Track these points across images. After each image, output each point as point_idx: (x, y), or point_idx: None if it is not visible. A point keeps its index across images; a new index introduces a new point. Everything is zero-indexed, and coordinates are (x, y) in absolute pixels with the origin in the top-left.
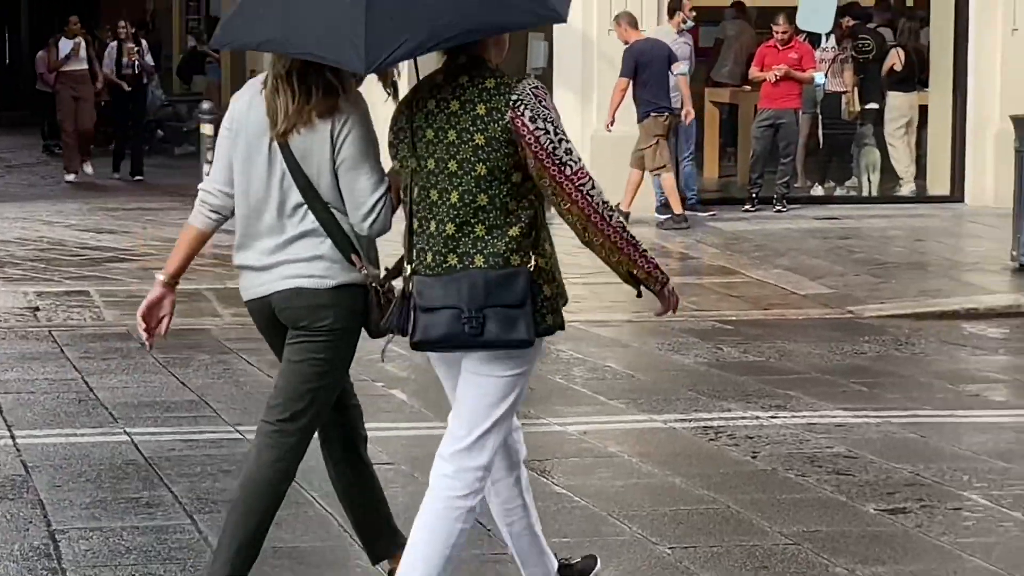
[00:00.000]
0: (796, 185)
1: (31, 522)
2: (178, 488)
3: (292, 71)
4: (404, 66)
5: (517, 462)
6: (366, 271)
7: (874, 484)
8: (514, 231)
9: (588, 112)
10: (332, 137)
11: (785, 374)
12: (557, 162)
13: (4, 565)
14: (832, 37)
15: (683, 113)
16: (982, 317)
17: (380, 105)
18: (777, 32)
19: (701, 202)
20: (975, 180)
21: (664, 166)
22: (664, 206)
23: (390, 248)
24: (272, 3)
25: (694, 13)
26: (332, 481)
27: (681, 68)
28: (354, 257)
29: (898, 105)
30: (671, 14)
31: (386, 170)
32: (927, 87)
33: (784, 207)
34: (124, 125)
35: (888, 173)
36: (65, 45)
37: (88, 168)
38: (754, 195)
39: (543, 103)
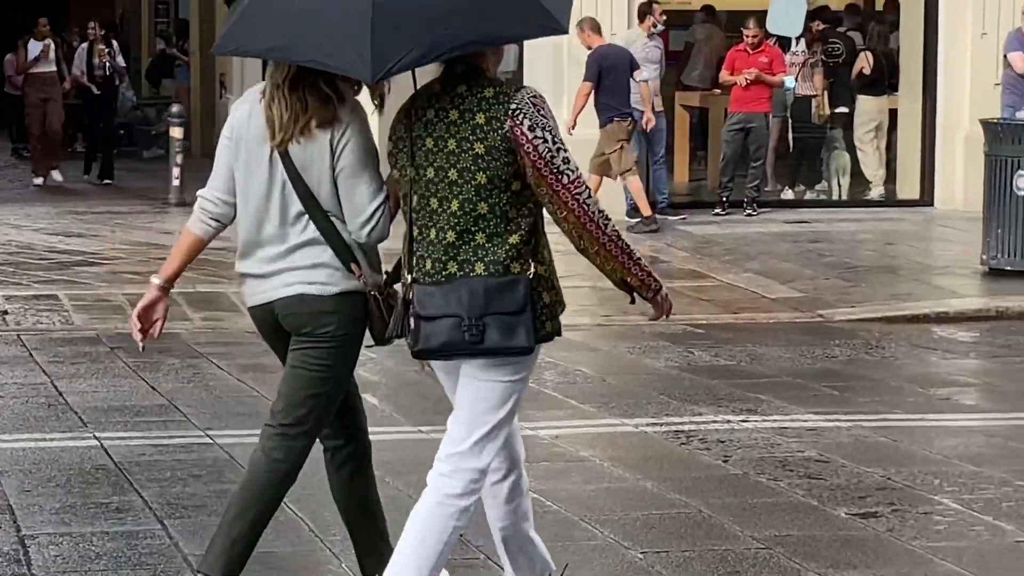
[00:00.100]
0: (766, 189)
1: (0, 527)
2: (148, 493)
3: (288, 82)
4: (398, 76)
5: (517, 464)
6: (366, 279)
7: (845, 488)
8: (514, 239)
9: (558, 115)
10: (331, 146)
11: (756, 378)
12: (555, 171)
13: None
14: (802, 41)
15: (644, 120)
16: (952, 321)
17: (368, 117)
18: (747, 36)
19: (671, 206)
20: (944, 184)
21: (630, 169)
22: (634, 209)
23: (392, 248)
24: (277, 12)
25: (664, 17)
26: (331, 488)
27: (643, 75)
28: (353, 266)
29: (867, 109)
30: (641, 18)
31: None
32: (897, 91)
33: (754, 211)
34: (95, 127)
35: (858, 177)
36: (34, 47)
37: (57, 175)
38: (724, 199)
39: (541, 112)
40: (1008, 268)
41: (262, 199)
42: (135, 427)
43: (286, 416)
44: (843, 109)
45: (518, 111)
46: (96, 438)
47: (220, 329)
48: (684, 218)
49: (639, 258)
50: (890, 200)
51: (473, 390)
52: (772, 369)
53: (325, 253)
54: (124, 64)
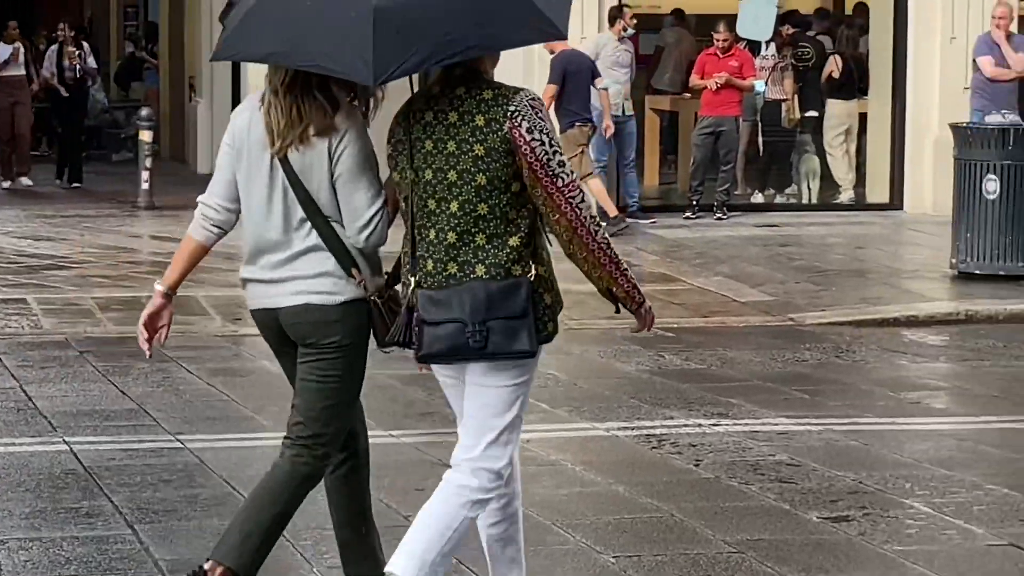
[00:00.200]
0: (736, 192)
1: None
2: (118, 498)
3: (284, 87)
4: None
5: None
6: (366, 284)
7: (817, 492)
8: (514, 241)
9: None
10: (330, 152)
11: (727, 382)
12: (550, 173)
13: None
14: (772, 45)
15: (603, 127)
16: (922, 324)
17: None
18: (717, 40)
19: (642, 209)
20: (914, 188)
21: (590, 173)
22: (601, 213)
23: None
24: (277, 18)
25: (635, 21)
26: (326, 491)
27: (603, 83)
28: (354, 271)
29: (837, 113)
30: (612, 22)
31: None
32: (867, 95)
33: (724, 214)
34: (65, 130)
35: (828, 181)
36: (3, 50)
37: (26, 180)
38: (695, 202)
39: (539, 115)
40: (977, 272)
41: (264, 205)
42: (105, 431)
43: (304, 430)
44: (813, 113)
45: (517, 113)
46: (66, 442)
47: (190, 333)
48: (654, 222)
49: (626, 269)
50: (860, 204)
51: (479, 398)
52: (743, 373)
53: (328, 261)
54: (96, 66)
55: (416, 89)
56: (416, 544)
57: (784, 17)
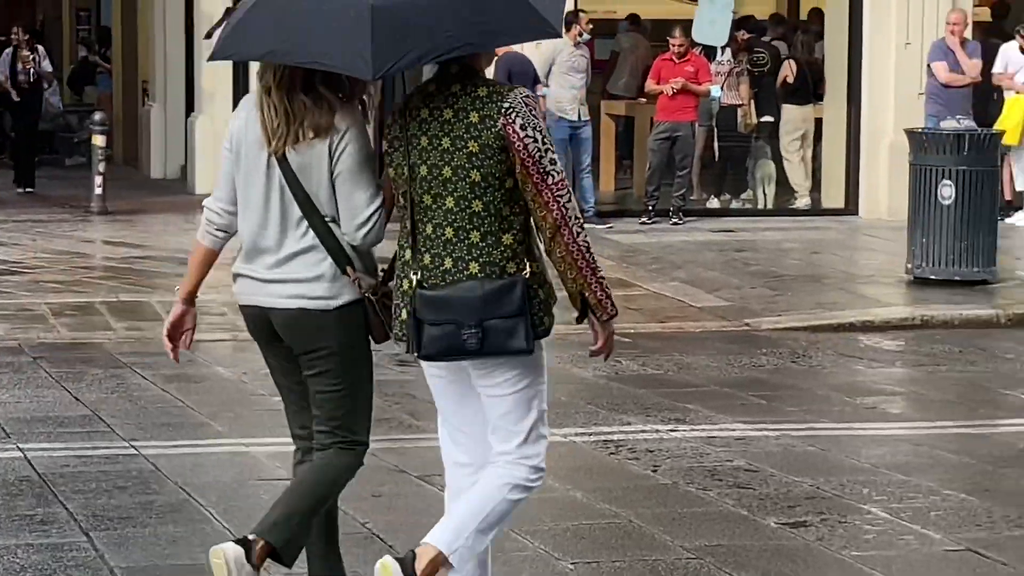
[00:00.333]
0: (692, 198)
1: None
2: (73, 505)
3: (276, 86)
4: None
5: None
6: (360, 282)
7: (775, 498)
8: (508, 238)
9: None
10: (331, 151)
11: (683, 387)
12: (541, 171)
13: None
14: (727, 50)
15: None
16: (878, 329)
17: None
18: (673, 45)
19: (598, 214)
20: (869, 193)
21: None
22: None
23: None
24: (274, 18)
25: (591, 26)
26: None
27: (542, 90)
28: (349, 269)
29: (792, 118)
30: (567, 27)
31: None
32: (822, 100)
33: (680, 220)
34: (19, 135)
35: (783, 186)
36: None
37: None
38: (651, 208)
39: (533, 112)
40: (932, 277)
41: (261, 204)
42: (59, 438)
43: (330, 437)
44: (768, 118)
45: (511, 110)
46: (19, 449)
47: (144, 339)
48: (611, 227)
49: (602, 277)
50: (815, 209)
51: (496, 408)
52: (700, 378)
53: (323, 263)
54: (51, 69)
55: (408, 88)
56: (454, 517)
57: (739, 22)
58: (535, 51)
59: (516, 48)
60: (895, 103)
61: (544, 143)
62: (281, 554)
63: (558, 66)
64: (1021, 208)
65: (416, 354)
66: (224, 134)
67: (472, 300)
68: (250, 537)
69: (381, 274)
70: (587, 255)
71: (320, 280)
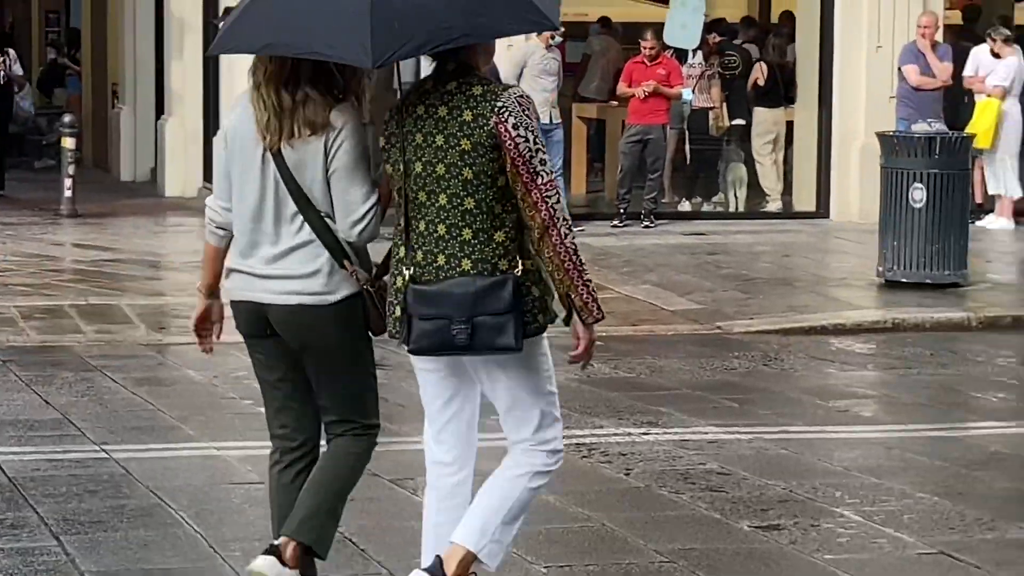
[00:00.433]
0: (663, 201)
1: None
2: (43, 509)
3: (264, 82)
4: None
5: (471, 460)
6: (358, 276)
7: (748, 501)
8: (500, 236)
9: None
10: (326, 147)
11: (656, 390)
12: (531, 170)
13: None
14: (699, 53)
15: None
16: (849, 333)
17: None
18: (644, 48)
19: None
20: (840, 196)
21: None
22: None
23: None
24: (274, 13)
25: (562, 29)
26: (274, 491)
27: None
28: (346, 263)
29: (764, 121)
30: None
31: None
32: (793, 104)
33: (652, 223)
34: None
35: (754, 189)
36: None
37: None
38: (622, 211)
39: (526, 112)
40: (904, 280)
41: (257, 199)
42: (29, 442)
43: (341, 426)
44: (740, 121)
45: (504, 109)
46: None
47: (114, 342)
48: (582, 229)
49: (589, 280)
50: (786, 212)
51: (502, 402)
52: (672, 381)
53: (320, 257)
54: (22, 72)
55: (402, 85)
56: (476, 513)
57: (710, 25)
58: (506, 53)
59: None
60: (866, 106)
61: (536, 143)
62: (315, 549)
63: (530, 69)
64: (992, 211)
65: (406, 347)
66: (193, 136)
67: (463, 296)
68: (277, 543)
69: (376, 266)
70: (574, 257)
71: (317, 275)
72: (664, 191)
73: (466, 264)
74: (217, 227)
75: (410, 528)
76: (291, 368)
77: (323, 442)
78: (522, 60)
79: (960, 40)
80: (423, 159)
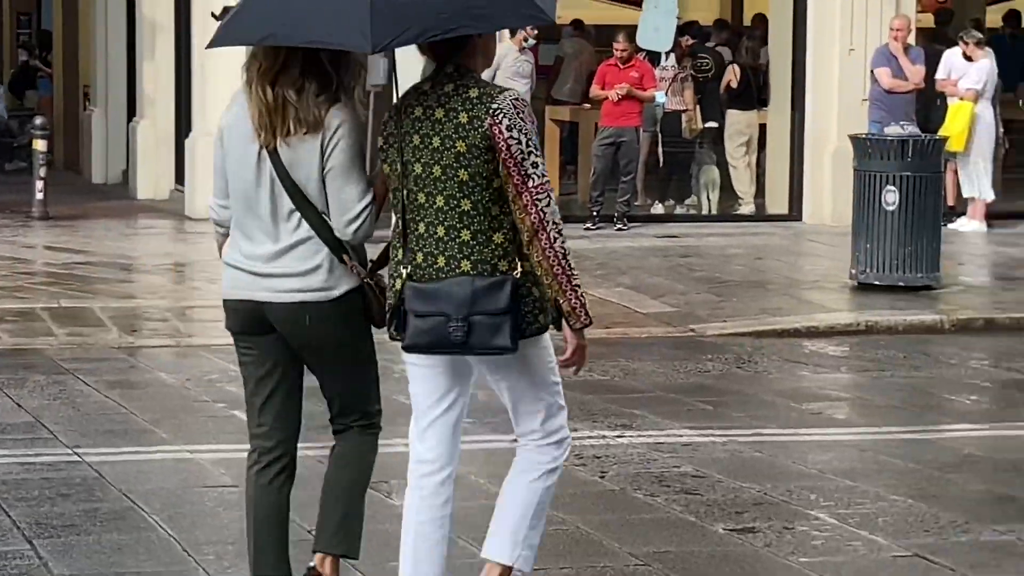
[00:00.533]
0: (636, 203)
1: None
2: (15, 512)
3: (258, 78)
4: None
5: (453, 459)
6: (358, 271)
7: (722, 503)
8: (498, 237)
9: None
10: (323, 146)
11: (630, 393)
12: (523, 173)
13: None
14: (671, 56)
15: None
16: (822, 335)
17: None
18: (617, 50)
19: None
20: (813, 199)
21: None
22: None
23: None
24: (275, 5)
25: (535, 31)
26: (256, 496)
27: None
28: (345, 257)
29: (737, 123)
30: (512, 32)
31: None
32: (766, 106)
33: (625, 225)
34: None
35: (727, 191)
36: None
37: None
38: (595, 213)
39: (521, 115)
40: (876, 283)
41: (252, 196)
42: (1, 445)
43: (345, 418)
44: (713, 124)
45: (499, 111)
46: None
47: (86, 345)
48: None
49: (578, 285)
50: (759, 215)
51: (508, 395)
52: (646, 384)
53: (319, 254)
54: None
55: (397, 85)
56: (503, 525)
57: (683, 28)
58: None
59: None
60: (839, 109)
61: (528, 146)
62: (349, 555)
63: (503, 71)
64: (964, 214)
65: (401, 344)
66: (165, 139)
67: (461, 294)
68: (313, 564)
69: (371, 263)
70: (563, 261)
71: (318, 271)
72: (637, 194)
73: (466, 265)
74: (218, 224)
75: (384, 531)
76: (281, 365)
77: (308, 448)
78: (496, 63)
79: (932, 43)
80: (421, 160)
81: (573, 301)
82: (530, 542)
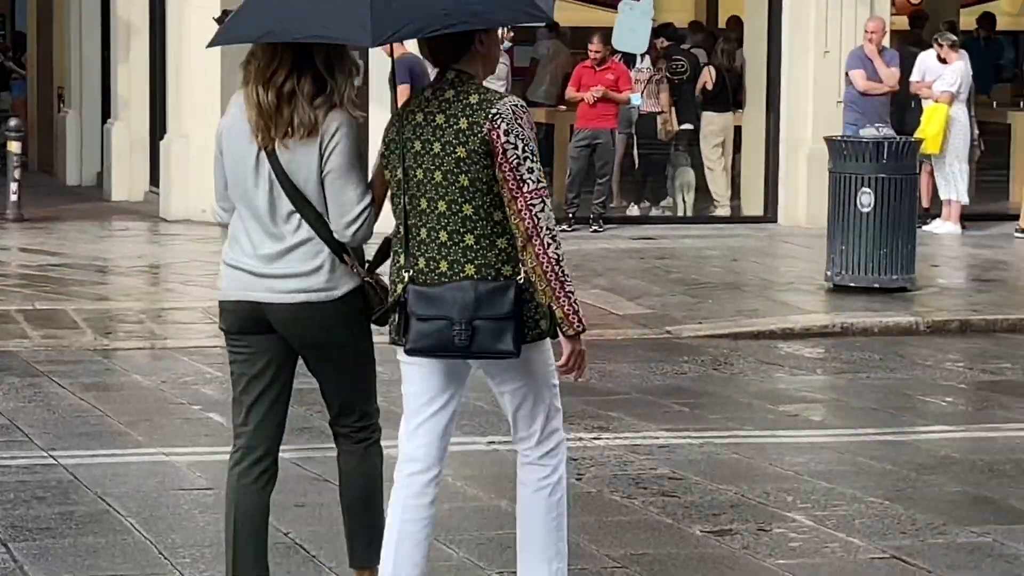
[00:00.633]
0: (612, 205)
1: None
2: None
3: (253, 79)
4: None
5: (440, 461)
6: (358, 270)
7: (700, 505)
8: (502, 242)
9: None
10: (321, 148)
11: (606, 395)
12: (518, 177)
13: None
14: (647, 58)
15: None
16: (798, 337)
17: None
18: (592, 52)
19: None
20: (788, 200)
21: None
22: None
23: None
24: (276, 3)
25: (511, 33)
26: (239, 497)
27: None
28: (346, 257)
29: (712, 125)
30: None
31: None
32: (742, 108)
33: (600, 227)
34: None
35: (703, 193)
36: None
37: None
38: (571, 215)
39: (520, 121)
40: (852, 284)
41: (251, 196)
42: None
43: (345, 419)
44: (688, 126)
45: (498, 115)
46: None
47: (60, 347)
48: None
49: (571, 291)
50: (735, 217)
51: (510, 401)
52: (622, 386)
53: (321, 254)
54: None
55: (395, 96)
56: (534, 549)
57: (658, 30)
58: None
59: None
60: (814, 111)
61: (525, 151)
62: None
63: None
64: (939, 216)
65: (403, 348)
66: (140, 141)
67: (465, 298)
68: None
69: (367, 263)
70: (556, 267)
71: (319, 272)
72: (613, 195)
73: (469, 269)
74: (226, 227)
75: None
76: (274, 366)
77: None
78: None
79: (907, 45)
80: (423, 166)
81: (566, 307)
82: (561, 552)
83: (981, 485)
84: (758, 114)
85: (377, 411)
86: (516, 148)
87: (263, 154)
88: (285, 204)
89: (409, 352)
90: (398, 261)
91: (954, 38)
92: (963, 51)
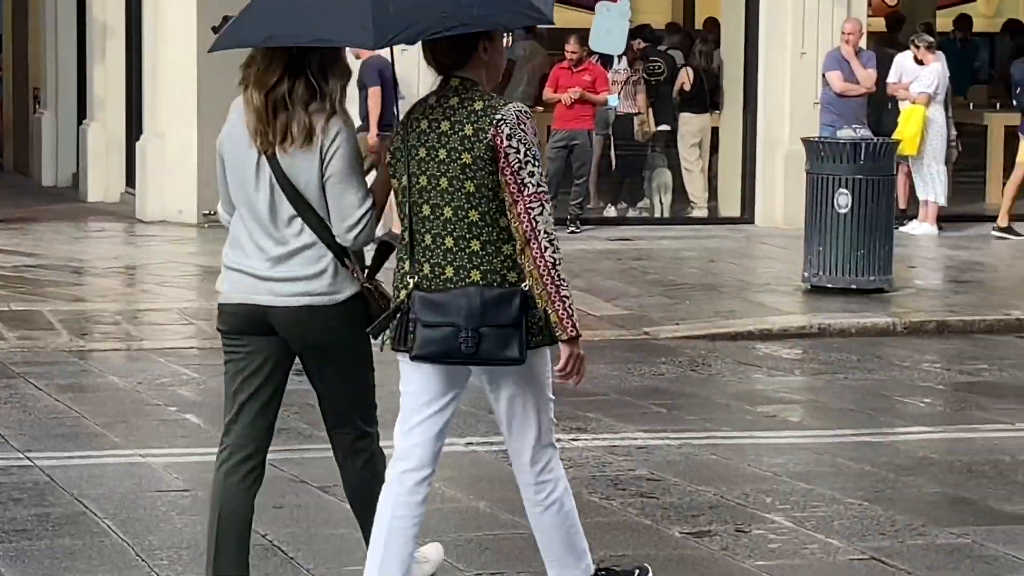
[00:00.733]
0: (589, 206)
1: None
2: None
3: (252, 84)
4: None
5: (433, 462)
6: (359, 276)
7: (679, 507)
8: (507, 248)
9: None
10: (321, 153)
11: (584, 396)
12: (519, 181)
13: None
14: (624, 59)
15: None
16: (775, 338)
17: None
18: (568, 53)
19: None
20: (765, 202)
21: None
22: None
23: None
24: (277, 7)
25: (511, 41)
26: (228, 499)
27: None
28: (347, 261)
29: (689, 126)
30: None
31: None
32: (719, 109)
33: (578, 228)
34: None
35: (680, 194)
36: None
37: None
38: None
39: (523, 127)
40: (829, 285)
41: (252, 200)
42: None
43: (344, 427)
44: (665, 127)
45: (502, 120)
46: None
47: (36, 348)
48: None
49: (566, 296)
50: (712, 218)
51: (505, 408)
52: (600, 387)
53: (324, 258)
54: None
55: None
56: (560, 559)
57: (635, 31)
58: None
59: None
60: (791, 112)
61: (527, 156)
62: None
63: None
64: (915, 217)
65: (408, 354)
66: (116, 141)
67: (471, 305)
68: None
69: (366, 268)
70: (552, 272)
71: (323, 275)
72: (590, 197)
73: (475, 275)
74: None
75: (339, 535)
76: (269, 367)
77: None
78: None
79: (883, 47)
80: (427, 172)
81: (560, 312)
82: (582, 548)
83: (959, 486)
84: (735, 115)
85: (375, 420)
86: (518, 152)
87: (263, 159)
88: (286, 208)
89: (414, 358)
90: (402, 267)
91: (931, 40)
92: (940, 52)
